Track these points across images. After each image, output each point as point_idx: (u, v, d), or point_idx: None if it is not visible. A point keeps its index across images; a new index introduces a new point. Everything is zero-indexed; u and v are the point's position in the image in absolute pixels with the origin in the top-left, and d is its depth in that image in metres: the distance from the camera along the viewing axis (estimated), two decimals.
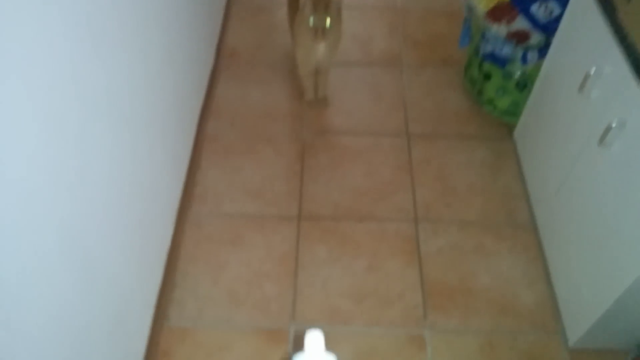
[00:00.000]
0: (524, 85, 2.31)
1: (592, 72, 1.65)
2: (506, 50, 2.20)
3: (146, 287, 1.73)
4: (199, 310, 1.86)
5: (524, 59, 2.18)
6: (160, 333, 1.79)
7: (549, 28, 2.13)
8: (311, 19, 2.07)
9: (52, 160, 1.11)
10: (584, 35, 1.77)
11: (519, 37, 2.17)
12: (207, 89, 2.49)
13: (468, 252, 2.04)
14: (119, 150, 1.47)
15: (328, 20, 2.07)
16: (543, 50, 2.15)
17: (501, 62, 2.23)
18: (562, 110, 1.93)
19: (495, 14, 2.20)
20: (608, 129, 1.53)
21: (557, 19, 2.08)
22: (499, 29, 2.20)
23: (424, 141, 2.40)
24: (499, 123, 2.45)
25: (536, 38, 2.16)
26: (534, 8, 2.13)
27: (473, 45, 2.45)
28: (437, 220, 2.13)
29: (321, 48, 2.18)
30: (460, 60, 2.68)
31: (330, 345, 1.66)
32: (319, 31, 2.09)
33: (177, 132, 2.05)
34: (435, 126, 2.45)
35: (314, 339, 0.48)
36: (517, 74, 2.25)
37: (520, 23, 2.18)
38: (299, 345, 0.72)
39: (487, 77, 2.36)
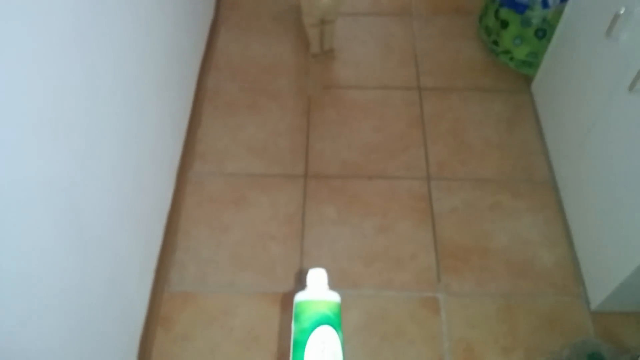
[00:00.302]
0: (544, 33, 2.15)
1: (621, 13, 1.51)
2: None
3: (145, 250, 1.65)
4: (202, 274, 1.78)
5: (545, 3, 2.02)
6: (161, 298, 1.72)
7: None
8: None
9: (36, 112, 1.00)
10: None
11: None
12: (207, 41, 2.35)
13: (484, 211, 1.93)
14: (110, 103, 1.35)
15: None
16: None
17: (520, 7, 2.07)
18: (587, 57, 1.78)
19: None
20: None
21: None
22: None
23: (437, 95, 2.26)
24: (516, 75, 2.31)
25: None
26: None
27: None
28: (451, 177, 2.01)
29: None
30: (474, 9, 2.52)
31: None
32: None
33: (175, 86, 1.92)
34: (448, 79, 2.31)
35: (317, 276, 0.48)
36: (537, 20, 2.09)
37: None
38: (302, 285, 0.68)
39: (504, 24, 2.20)
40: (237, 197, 1.96)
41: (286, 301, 1.72)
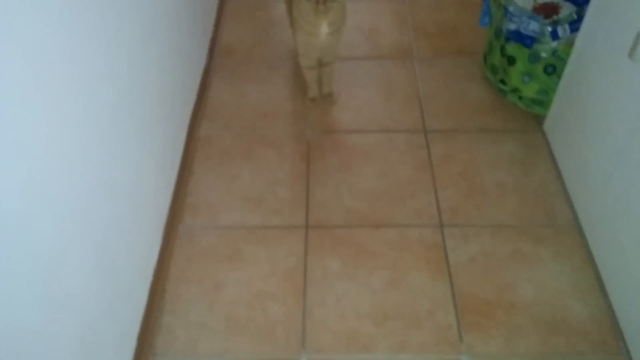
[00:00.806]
0: (553, 69, 2.03)
1: None
2: (533, 27, 1.93)
3: (126, 312, 1.45)
4: (192, 341, 1.57)
5: (554, 35, 1.91)
6: None
7: None
8: None
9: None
10: None
11: (547, 11, 1.91)
12: (199, 89, 2.23)
13: (504, 259, 1.74)
14: (93, 152, 1.20)
15: None
16: (574, 24, 1.89)
17: (528, 40, 1.96)
18: (606, 84, 1.65)
19: None
20: None
21: None
22: (524, 3, 1.94)
23: (444, 137, 2.12)
24: (526, 114, 2.18)
25: (566, 10, 1.89)
26: None
27: (493, 28, 2.18)
28: (466, 224, 1.84)
29: (324, 27, 1.92)
30: (478, 49, 2.42)
31: None
32: (320, 3, 1.82)
33: (163, 135, 1.78)
34: (455, 121, 2.18)
35: None
36: (546, 53, 1.97)
37: None
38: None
39: (512, 61, 2.09)
40: (231, 251, 1.78)
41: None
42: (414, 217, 1.86)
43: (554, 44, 1.93)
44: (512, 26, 1.97)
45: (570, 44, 1.92)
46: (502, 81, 2.20)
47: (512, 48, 2.06)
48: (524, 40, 1.97)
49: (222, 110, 2.24)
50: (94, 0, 1.23)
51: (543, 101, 2.13)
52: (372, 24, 2.63)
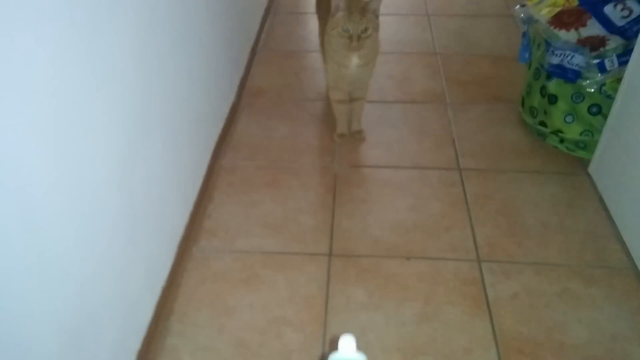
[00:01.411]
0: (599, 109, 1.93)
1: None
2: (577, 60, 1.86)
3: (126, 327, 1.29)
4: None
5: (602, 67, 1.82)
6: None
7: (629, 31, 1.80)
8: (345, 25, 1.77)
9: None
10: None
11: (593, 44, 1.84)
12: (226, 122, 2.18)
13: (551, 298, 1.55)
14: (109, 161, 1.12)
15: (364, 26, 1.78)
16: (623, 56, 1.80)
17: (572, 75, 1.88)
18: None
19: (561, 20, 1.90)
20: None
21: (638, 20, 1.76)
22: (567, 36, 1.87)
23: (480, 175, 1.99)
24: (568, 157, 2.05)
25: (614, 43, 1.82)
26: (608, 9, 1.82)
27: (532, 70, 2.12)
28: (507, 260, 1.66)
29: (355, 60, 1.88)
30: (513, 98, 2.36)
31: None
32: (354, 38, 1.79)
33: (187, 156, 1.71)
34: (492, 161, 2.06)
35: (347, 340, 0.50)
36: (592, 89, 1.88)
37: (593, 28, 1.85)
38: (333, 348, 0.49)
39: (553, 100, 2.00)
40: (247, 276, 1.63)
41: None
42: (449, 251, 1.70)
43: (601, 77, 1.84)
44: (555, 60, 1.90)
45: (617, 79, 1.83)
46: (542, 123, 2.10)
47: (554, 86, 1.98)
48: (568, 75, 1.89)
49: (247, 142, 2.17)
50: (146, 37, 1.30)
51: (587, 143, 2.01)
52: (403, 74, 2.60)
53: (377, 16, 1.82)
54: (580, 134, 2.00)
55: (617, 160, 1.79)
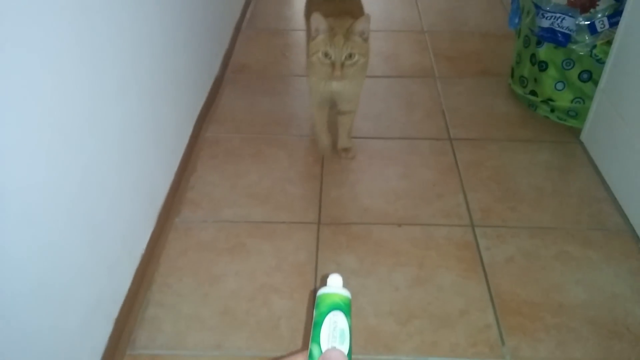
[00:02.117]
0: (589, 75, 1.90)
1: None
2: (568, 23, 1.81)
3: (103, 285, 1.21)
4: (180, 334, 1.32)
5: (592, 29, 1.78)
6: None
7: None
8: (326, 49, 1.48)
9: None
10: None
11: (583, 5, 1.80)
12: (209, 95, 2.11)
13: (548, 261, 1.50)
14: (80, 105, 1.04)
15: (349, 52, 1.48)
16: (613, 17, 1.76)
17: (562, 38, 1.84)
18: None
19: None
20: None
21: None
22: None
23: (471, 145, 1.94)
24: (559, 127, 2.01)
25: (604, 4, 1.78)
26: None
27: (521, 38, 2.07)
28: (501, 225, 1.61)
29: (338, 86, 1.62)
30: (502, 72, 2.32)
31: None
32: (336, 67, 1.48)
33: (167, 126, 1.64)
34: (482, 131, 2.01)
35: (334, 278, 0.53)
36: (582, 51, 1.83)
37: None
38: (322, 285, 0.45)
39: (543, 67, 1.96)
40: (233, 245, 1.56)
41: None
42: (441, 217, 1.64)
43: (591, 39, 1.80)
44: (545, 23, 1.86)
45: (608, 41, 1.79)
46: (533, 92, 2.06)
47: (544, 52, 1.94)
48: (558, 38, 1.84)
49: (232, 116, 2.10)
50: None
51: (578, 111, 1.97)
52: (391, 50, 2.55)
53: (365, 39, 1.50)
54: (572, 102, 1.96)
55: (610, 124, 1.75)
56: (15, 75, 0.87)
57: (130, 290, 1.33)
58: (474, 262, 1.50)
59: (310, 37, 1.53)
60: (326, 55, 1.47)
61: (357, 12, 1.71)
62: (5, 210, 0.86)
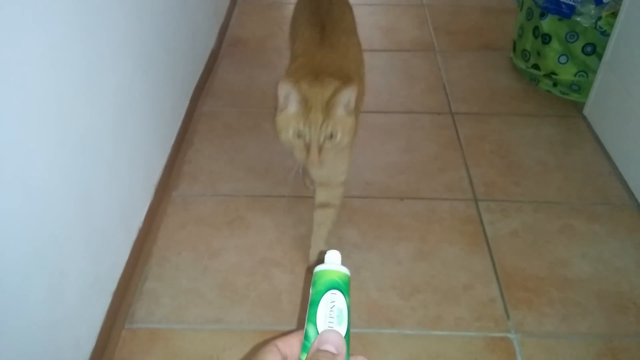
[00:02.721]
0: (593, 48, 1.86)
1: None
2: None
3: (99, 269, 1.18)
4: (178, 308, 1.29)
5: (598, 0, 1.74)
6: (117, 335, 1.21)
7: None
8: (299, 126, 1.04)
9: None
10: None
11: None
12: (205, 69, 2.06)
13: (552, 235, 1.48)
14: (74, 70, 0.99)
15: (330, 131, 1.04)
16: None
17: (567, 10, 1.80)
18: None
19: None
20: None
21: None
22: None
23: (473, 119, 1.91)
24: (562, 101, 1.98)
25: None
26: None
27: (524, 12, 2.03)
28: (504, 199, 1.59)
29: (316, 171, 1.22)
30: (504, 46, 2.28)
31: (374, 354, 1.10)
32: (313, 150, 1.05)
33: (162, 98, 1.59)
34: (484, 105, 1.98)
35: (333, 254, 0.51)
36: (587, 24, 1.79)
37: None
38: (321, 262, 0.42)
39: (547, 39, 1.92)
40: (232, 219, 1.52)
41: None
42: (444, 191, 1.62)
43: (596, 11, 1.76)
44: None
45: (612, 13, 1.75)
46: (535, 66, 2.02)
47: (547, 24, 1.89)
48: (563, 9, 1.80)
49: (229, 89, 2.05)
50: None
51: (581, 85, 1.93)
52: (390, 24, 2.50)
53: (350, 112, 1.07)
54: (575, 75, 1.93)
55: (614, 98, 1.72)
56: (8, 40, 0.82)
57: (128, 263, 1.30)
58: (477, 237, 1.47)
59: (277, 107, 1.10)
60: (299, 135, 1.04)
61: (351, 56, 1.34)
62: (1, 176, 0.82)
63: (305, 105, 1.03)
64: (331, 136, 1.04)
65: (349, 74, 1.16)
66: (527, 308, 1.29)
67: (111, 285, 1.22)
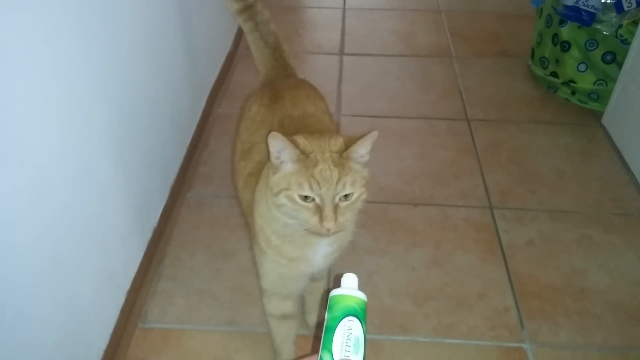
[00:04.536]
0: (613, 57, 1.84)
1: None
2: (593, 1, 1.76)
3: (114, 268, 1.18)
4: (192, 308, 1.29)
5: (619, 7, 1.72)
6: (130, 334, 1.21)
7: None
8: (307, 186, 0.79)
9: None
10: None
11: None
12: (222, 70, 2.07)
13: (569, 245, 1.46)
14: (93, 69, 1.00)
15: (347, 189, 0.80)
16: None
17: (587, 17, 1.78)
18: None
19: None
20: None
21: None
22: None
23: (490, 126, 1.90)
24: (580, 109, 1.96)
25: None
26: None
27: (543, 18, 2.01)
28: (520, 207, 1.57)
29: (324, 249, 0.95)
30: (521, 53, 2.26)
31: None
32: (328, 212, 0.79)
33: (179, 99, 1.59)
34: (501, 112, 1.96)
35: (350, 278, 0.52)
36: (608, 31, 1.77)
37: None
38: (336, 284, 0.54)
39: (566, 47, 1.90)
40: (245, 220, 1.52)
41: (306, 346, 1.20)
42: (459, 198, 1.61)
43: (617, 19, 1.74)
44: (569, 1, 1.80)
45: (634, 21, 1.74)
46: (554, 74, 2.00)
47: (567, 32, 1.88)
48: (583, 17, 1.79)
49: (244, 92, 2.04)
50: None
51: (600, 94, 1.91)
52: (406, 29, 2.49)
53: (365, 163, 0.86)
54: (594, 84, 1.91)
55: (634, 107, 1.70)
56: (31, 42, 0.83)
57: (142, 263, 1.30)
58: (492, 245, 1.46)
59: (266, 171, 0.89)
60: (306, 198, 0.80)
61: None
62: (22, 175, 0.82)
63: (308, 160, 0.81)
64: (346, 197, 0.81)
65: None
66: (541, 318, 1.28)
67: (125, 284, 1.23)
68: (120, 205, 1.19)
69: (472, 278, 1.37)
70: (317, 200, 0.80)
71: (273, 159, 0.83)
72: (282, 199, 0.82)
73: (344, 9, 2.62)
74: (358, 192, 0.82)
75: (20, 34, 0.80)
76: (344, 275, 0.59)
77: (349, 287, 0.56)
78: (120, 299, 1.19)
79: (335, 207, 0.80)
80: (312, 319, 1.23)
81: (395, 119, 1.93)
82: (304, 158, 0.81)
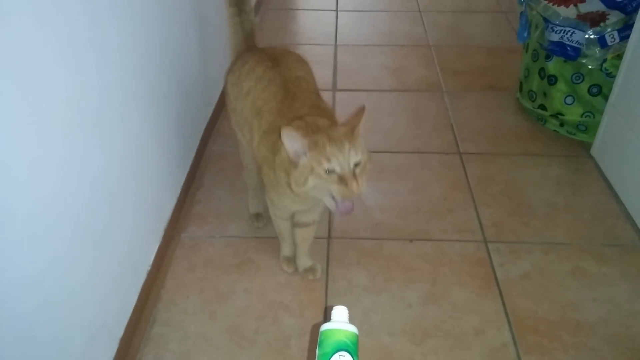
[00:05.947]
0: (599, 89, 1.88)
1: None
2: (578, 37, 1.80)
3: (107, 316, 1.17)
4: (186, 354, 1.28)
5: (603, 42, 1.76)
6: None
7: (628, 6, 1.75)
8: (328, 162, 1.06)
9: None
10: None
11: (593, 19, 1.78)
12: (215, 108, 2.09)
13: (564, 278, 1.47)
14: (84, 118, 1.02)
15: (358, 158, 1.09)
16: (624, 31, 1.75)
17: (572, 52, 1.82)
18: None
19: None
20: None
21: None
22: (567, 12, 1.82)
23: (481, 159, 1.92)
24: (569, 141, 1.99)
25: (614, 17, 1.76)
26: None
27: (530, 53, 2.06)
28: (514, 241, 1.58)
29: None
30: (510, 87, 2.30)
31: None
32: (350, 179, 1.06)
33: (174, 140, 1.61)
34: (492, 145, 1.99)
35: (339, 311, 0.54)
36: (593, 65, 1.81)
37: (593, 4, 1.81)
38: (327, 319, 0.59)
39: (553, 81, 1.94)
40: (240, 261, 1.52)
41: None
42: (453, 232, 1.61)
43: (602, 53, 1.78)
44: (554, 37, 1.84)
45: (618, 55, 1.78)
46: (542, 107, 2.04)
47: (553, 66, 1.92)
48: (568, 52, 1.83)
49: None
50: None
51: (588, 125, 1.95)
52: (397, 64, 2.54)
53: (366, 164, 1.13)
54: (581, 116, 1.94)
55: (621, 138, 1.73)
56: (25, 78, 0.84)
57: (135, 307, 1.30)
58: (488, 279, 1.46)
59: (285, 165, 1.14)
60: (329, 170, 1.06)
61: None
62: (10, 225, 0.83)
63: (322, 143, 1.06)
64: (356, 165, 1.07)
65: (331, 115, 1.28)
66: (539, 353, 1.27)
67: (119, 331, 1.22)
68: (112, 250, 1.19)
69: (469, 314, 1.37)
70: (338, 169, 1.05)
71: (291, 155, 1.08)
72: (310, 183, 1.07)
73: (336, 46, 2.67)
74: (365, 158, 1.09)
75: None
76: (334, 308, 0.60)
77: (339, 320, 0.55)
78: (113, 347, 1.18)
79: (353, 173, 1.06)
80: (302, 264, 1.46)
81: (388, 153, 1.95)
82: (314, 145, 1.05)
